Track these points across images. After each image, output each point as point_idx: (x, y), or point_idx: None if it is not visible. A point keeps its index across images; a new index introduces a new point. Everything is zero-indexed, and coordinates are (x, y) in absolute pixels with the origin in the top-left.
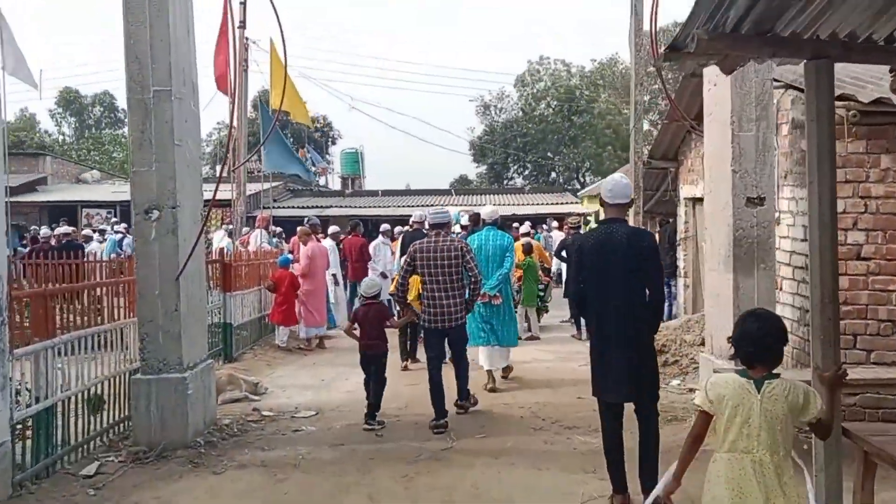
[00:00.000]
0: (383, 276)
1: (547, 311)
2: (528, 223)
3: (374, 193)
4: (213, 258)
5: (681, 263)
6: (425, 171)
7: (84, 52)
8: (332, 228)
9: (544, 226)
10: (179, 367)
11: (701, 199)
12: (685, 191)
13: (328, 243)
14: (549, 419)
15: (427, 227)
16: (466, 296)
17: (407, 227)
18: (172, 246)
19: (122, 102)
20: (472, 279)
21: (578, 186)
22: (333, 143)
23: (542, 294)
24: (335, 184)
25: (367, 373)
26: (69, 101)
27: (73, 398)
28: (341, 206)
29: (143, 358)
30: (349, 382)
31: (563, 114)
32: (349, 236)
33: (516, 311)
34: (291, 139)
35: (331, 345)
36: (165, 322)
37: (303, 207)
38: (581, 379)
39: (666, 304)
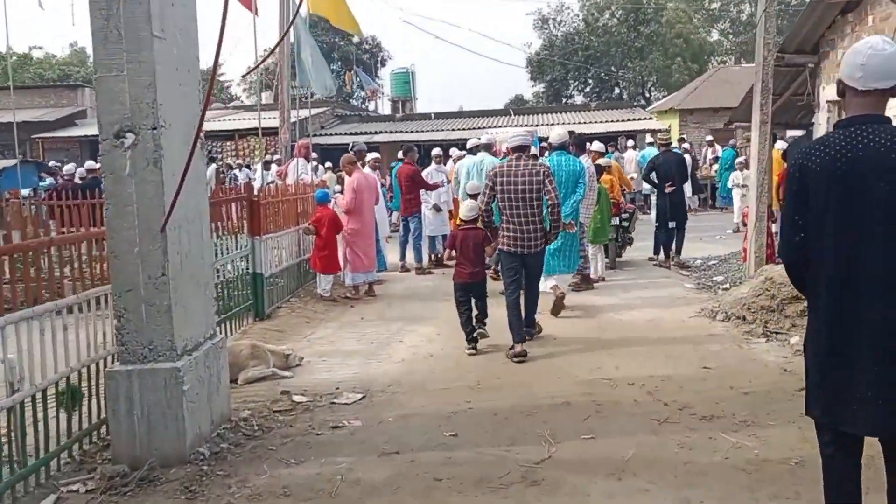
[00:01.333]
0: (437, 209)
1: (631, 244)
2: (597, 142)
3: (426, 117)
4: (237, 193)
5: None
6: (479, 92)
7: None
8: (371, 156)
9: (617, 144)
10: (171, 353)
11: None
12: (830, 92)
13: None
14: (673, 404)
15: (506, 149)
16: (546, 223)
17: (462, 151)
18: (155, 184)
19: None
20: (552, 205)
21: (644, 102)
22: (383, 64)
23: (626, 224)
24: (385, 108)
25: (464, 305)
26: None
27: (35, 395)
28: (391, 132)
29: (120, 342)
30: (403, 345)
31: (628, 23)
32: (401, 164)
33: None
34: (340, 62)
35: (381, 291)
36: (149, 291)
37: (351, 134)
38: (697, 336)
39: None
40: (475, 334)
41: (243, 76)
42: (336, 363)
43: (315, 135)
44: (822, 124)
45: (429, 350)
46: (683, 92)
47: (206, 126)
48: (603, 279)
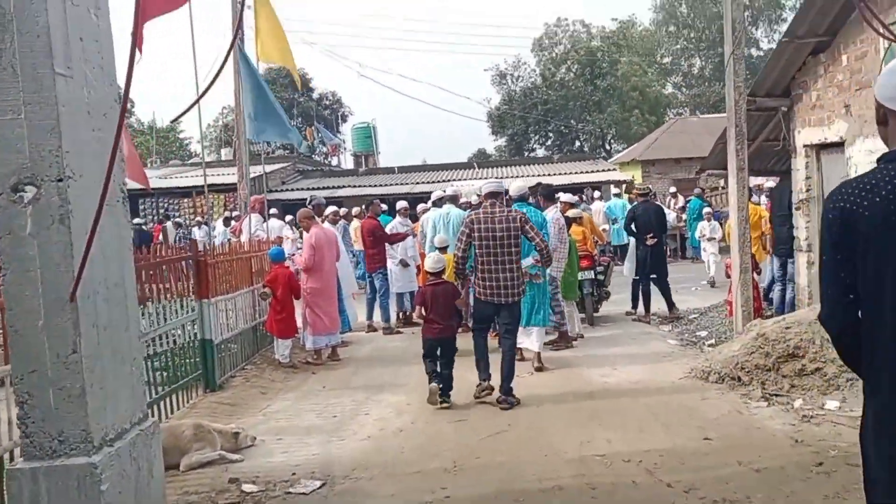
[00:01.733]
0: (404, 264)
1: (608, 298)
2: (566, 193)
3: (389, 171)
4: (181, 252)
5: (800, 234)
6: (441, 146)
7: None
8: (331, 209)
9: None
10: (86, 446)
11: (830, 146)
12: (805, 135)
13: (275, 223)
14: (677, 485)
15: (480, 197)
16: (530, 267)
17: (426, 205)
18: (62, 244)
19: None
20: (539, 248)
21: (605, 154)
22: (344, 120)
23: (601, 278)
24: (348, 163)
25: (429, 357)
26: None
27: None
28: (355, 186)
29: (24, 433)
30: (370, 419)
31: (584, 77)
32: (365, 218)
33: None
34: (300, 118)
35: (346, 354)
36: (57, 372)
37: (313, 189)
38: (692, 400)
39: (780, 289)
40: (439, 393)
41: (172, 121)
42: (294, 442)
43: (276, 190)
44: (801, 170)
45: (398, 424)
46: (644, 143)
47: (161, 183)
48: (581, 336)
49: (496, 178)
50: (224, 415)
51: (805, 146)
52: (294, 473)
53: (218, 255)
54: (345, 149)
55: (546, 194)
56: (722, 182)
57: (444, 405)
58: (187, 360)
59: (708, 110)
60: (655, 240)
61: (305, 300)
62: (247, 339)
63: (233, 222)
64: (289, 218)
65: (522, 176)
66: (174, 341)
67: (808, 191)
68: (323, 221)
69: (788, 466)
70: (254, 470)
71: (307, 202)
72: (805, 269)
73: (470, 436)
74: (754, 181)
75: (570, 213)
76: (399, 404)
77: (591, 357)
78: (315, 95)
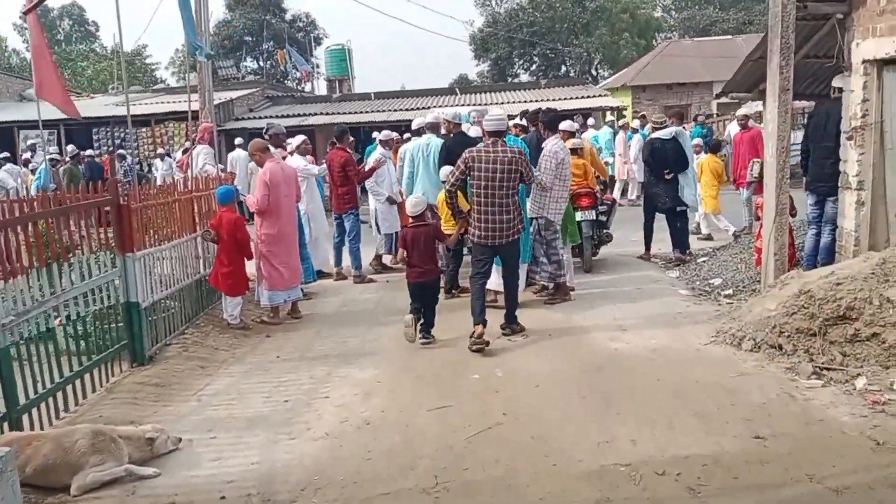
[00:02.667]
0: (391, 201)
1: (609, 241)
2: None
3: (365, 97)
4: (97, 196)
5: (849, 168)
6: (422, 72)
7: None
8: (296, 140)
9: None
10: None
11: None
12: (866, 48)
13: (297, 161)
14: None
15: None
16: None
17: (406, 135)
18: None
19: (91, 14)
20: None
21: (591, 81)
22: (319, 43)
23: (604, 219)
24: (322, 90)
25: (415, 302)
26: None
27: None
28: (328, 114)
29: None
30: (330, 405)
31: None
32: (332, 149)
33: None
34: (271, 42)
35: (309, 309)
36: None
37: (283, 116)
38: (726, 378)
39: (815, 233)
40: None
41: (23, 13)
42: (230, 442)
43: (242, 118)
44: (857, 90)
45: (364, 414)
46: (634, 68)
47: (119, 111)
48: (573, 288)
49: (478, 105)
50: (148, 400)
51: (865, 62)
52: (223, 496)
53: (147, 196)
54: (319, 74)
55: (549, 121)
56: (714, 108)
57: (425, 341)
58: (109, 328)
59: (698, 34)
60: (672, 175)
61: (259, 249)
62: (189, 296)
63: (171, 157)
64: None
65: (507, 102)
66: (92, 305)
67: (863, 116)
68: (292, 154)
69: (877, 485)
70: (172, 489)
71: (264, 131)
72: (853, 211)
73: (455, 432)
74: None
75: (570, 143)
76: (367, 383)
77: (593, 314)
78: (287, 17)
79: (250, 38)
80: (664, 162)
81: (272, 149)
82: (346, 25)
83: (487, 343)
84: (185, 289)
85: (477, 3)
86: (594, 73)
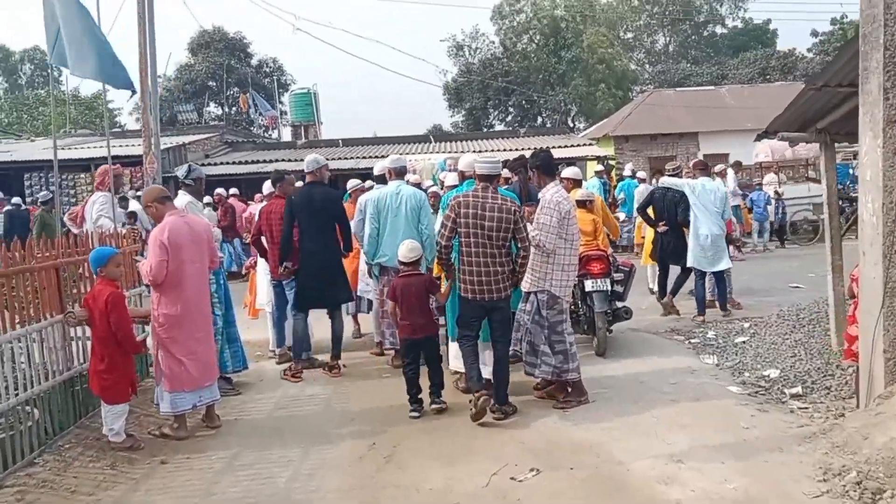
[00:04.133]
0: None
1: (629, 317)
2: (571, 168)
3: (332, 143)
4: None
5: None
6: (394, 122)
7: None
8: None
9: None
10: None
11: None
12: None
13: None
14: None
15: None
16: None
17: (369, 182)
18: None
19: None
20: (522, 252)
21: (569, 131)
22: (285, 89)
23: (620, 290)
24: (288, 137)
25: (410, 366)
26: None
27: None
28: (291, 160)
29: None
30: None
31: (548, 48)
32: (273, 198)
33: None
34: (235, 87)
35: (234, 411)
36: None
37: (243, 163)
38: None
39: None
40: (419, 400)
41: None
42: None
43: (198, 164)
44: None
45: None
46: (616, 118)
47: (49, 155)
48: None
49: (453, 153)
50: None
51: None
52: None
53: None
54: (286, 122)
55: (543, 164)
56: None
57: (437, 407)
58: None
59: (673, 87)
60: (667, 227)
61: (156, 335)
62: (55, 401)
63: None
64: (207, 199)
65: (485, 151)
66: None
67: None
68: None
69: None
70: None
71: (182, 174)
72: None
73: None
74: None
75: (577, 194)
76: None
77: (626, 430)
78: (253, 62)
79: (214, 84)
80: (660, 213)
81: (187, 198)
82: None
83: (490, 399)
84: (50, 392)
85: (450, 54)
86: (571, 123)
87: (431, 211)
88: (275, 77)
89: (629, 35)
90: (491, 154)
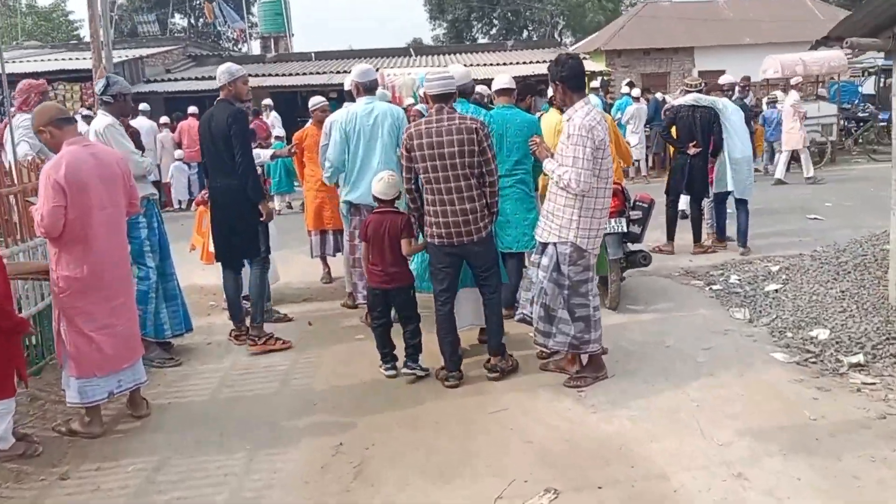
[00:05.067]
0: None
1: (647, 264)
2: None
3: (305, 57)
4: None
5: None
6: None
7: None
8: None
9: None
10: None
11: None
12: None
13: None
14: None
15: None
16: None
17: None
18: None
19: None
20: (489, 180)
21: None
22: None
23: (637, 230)
24: (257, 51)
25: (379, 319)
26: None
27: None
28: (261, 75)
29: None
30: None
31: None
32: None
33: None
34: None
35: (168, 392)
36: None
37: (206, 78)
38: None
39: None
40: (393, 357)
41: None
42: None
43: (155, 79)
44: None
45: None
46: (608, 31)
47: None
48: (605, 351)
49: (436, 67)
50: None
51: None
52: None
53: None
54: (256, 35)
55: (571, 76)
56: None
57: (411, 372)
58: None
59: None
60: (699, 149)
61: (57, 304)
62: None
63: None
64: (164, 119)
65: (469, 65)
66: None
67: None
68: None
69: None
70: None
71: (98, 88)
72: None
73: None
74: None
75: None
76: None
77: (659, 418)
78: None
79: None
80: (689, 133)
81: (107, 120)
82: None
83: (460, 378)
84: None
85: None
86: (558, 38)
87: None
88: None
89: None
90: (442, 69)
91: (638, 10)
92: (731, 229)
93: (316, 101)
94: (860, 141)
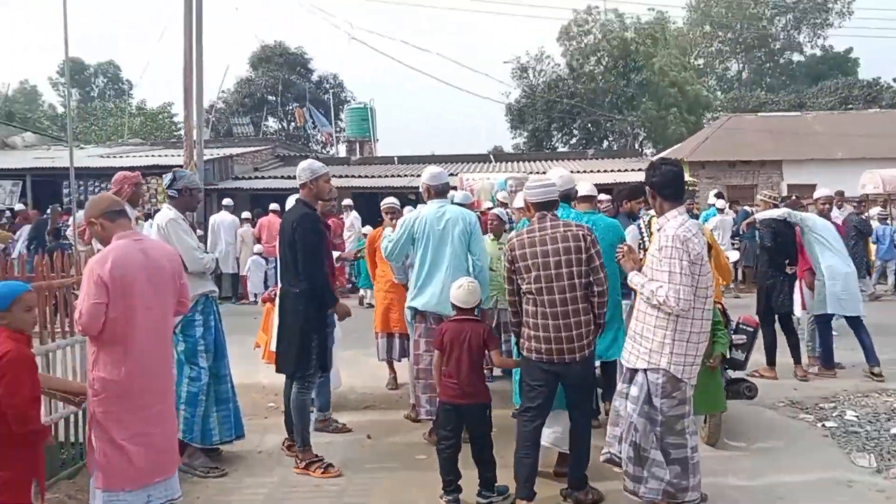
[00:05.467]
0: None
1: (752, 396)
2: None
3: (388, 160)
4: None
5: None
6: (453, 143)
7: (89, 19)
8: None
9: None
10: None
11: None
12: None
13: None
14: None
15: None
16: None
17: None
18: None
19: (126, 73)
20: (598, 290)
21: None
22: (345, 105)
23: (739, 357)
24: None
25: (449, 440)
26: (73, 72)
27: None
28: (345, 176)
29: None
30: None
31: (617, 70)
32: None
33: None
34: (292, 98)
35: None
36: None
37: (291, 178)
38: None
39: None
40: (457, 487)
41: None
42: None
43: (242, 177)
44: None
45: None
46: (692, 142)
47: (101, 162)
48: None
49: (516, 173)
50: None
51: None
52: None
53: None
54: (343, 138)
55: (665, 183)
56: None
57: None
58: None
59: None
60: (794, 267)
61: (91, 409)
62: None
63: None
64: (245, 214)
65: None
66: None
67: None
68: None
69: None
70: None
71: (166, 181)
72: None
73: None
74: None
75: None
76: None
77: None
78: (314, 77)
79: (273, 98)
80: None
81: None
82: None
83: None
84: None
85: (514, 75)
86: (638, 148)
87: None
88: (334, 93)
89: (700, 61)
90: (543, 176)
91: (722, 121)
92: (839, 355)
93: (386, 202)
94: None
